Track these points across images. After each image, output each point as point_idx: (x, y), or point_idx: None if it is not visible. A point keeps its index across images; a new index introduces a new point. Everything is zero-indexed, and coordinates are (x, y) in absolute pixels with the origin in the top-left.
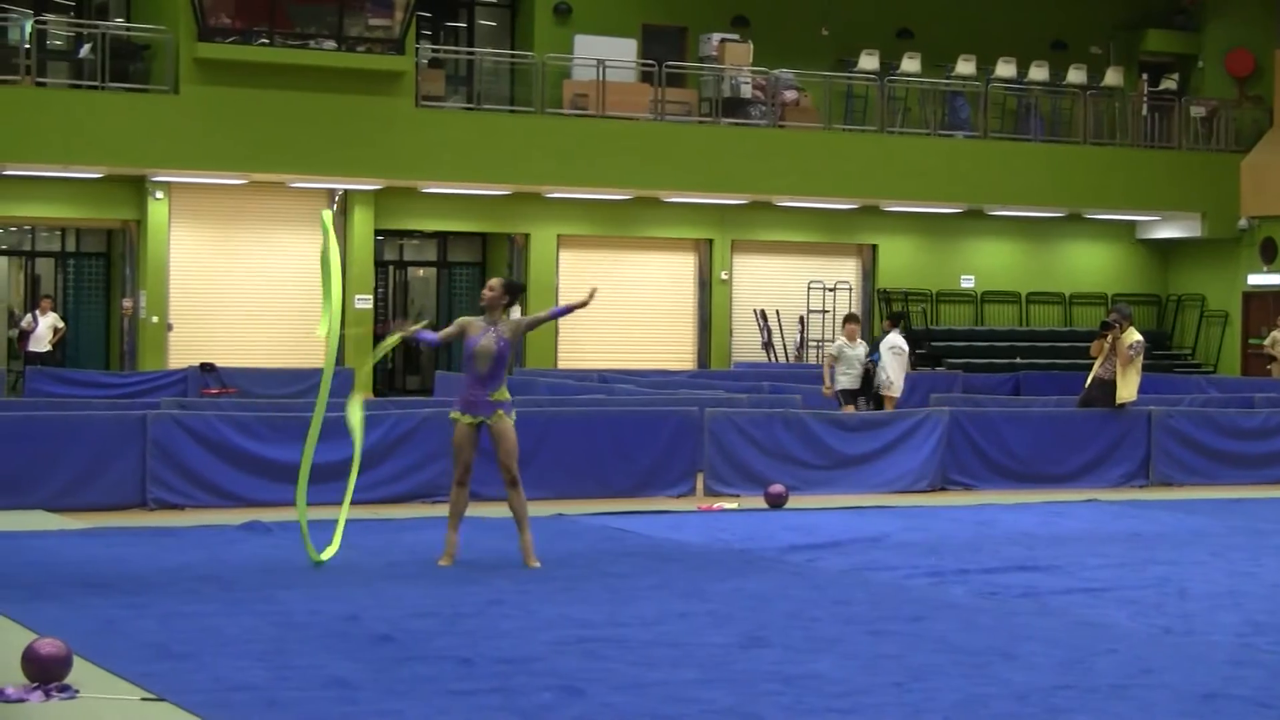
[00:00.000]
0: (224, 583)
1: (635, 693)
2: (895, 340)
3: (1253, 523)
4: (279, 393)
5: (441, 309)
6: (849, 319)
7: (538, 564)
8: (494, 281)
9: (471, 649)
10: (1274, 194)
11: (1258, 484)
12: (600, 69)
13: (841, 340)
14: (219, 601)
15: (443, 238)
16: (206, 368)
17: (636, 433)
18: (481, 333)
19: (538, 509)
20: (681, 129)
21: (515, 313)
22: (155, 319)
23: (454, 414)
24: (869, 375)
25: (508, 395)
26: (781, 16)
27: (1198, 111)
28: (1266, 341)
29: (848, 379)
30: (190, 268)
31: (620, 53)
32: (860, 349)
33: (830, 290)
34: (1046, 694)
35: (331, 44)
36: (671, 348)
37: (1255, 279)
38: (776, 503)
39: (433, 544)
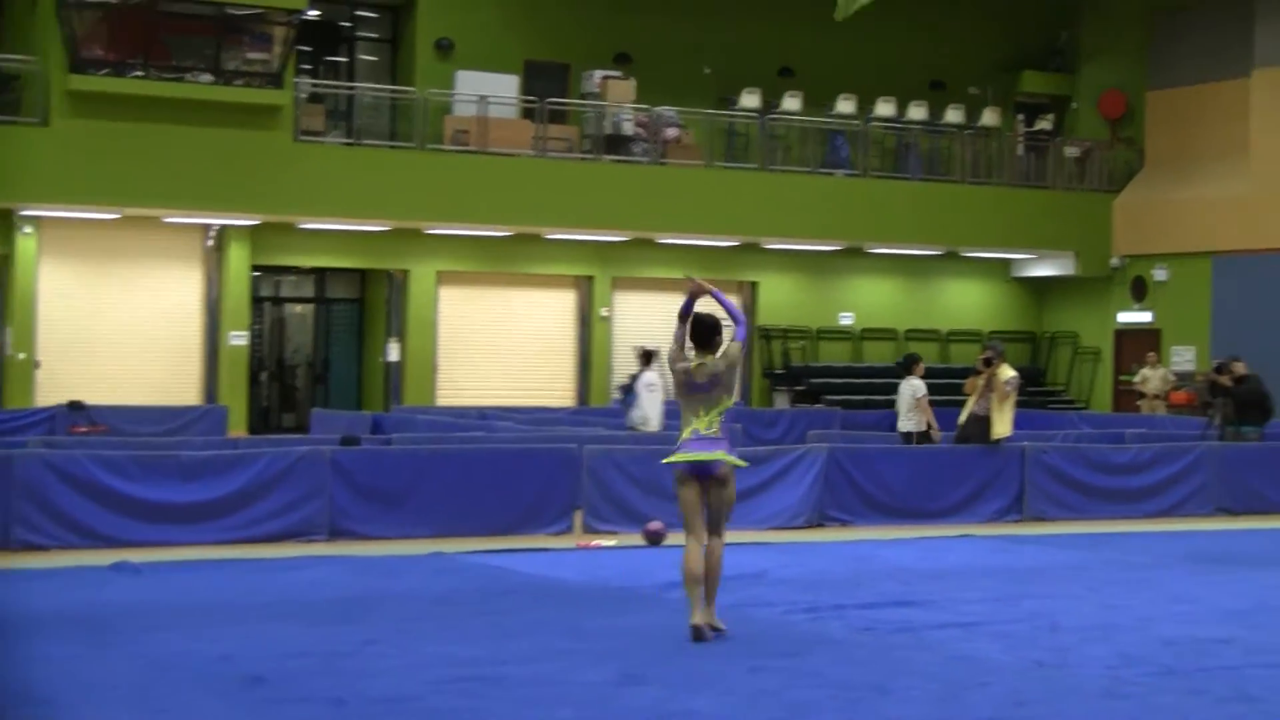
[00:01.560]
0: (91, 625)
1: None
2: (651, 377)
3: (1124, 556)
4: (150, 431)
5: (319, 345)
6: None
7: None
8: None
9: (346, 689)
10: (1145, 233)
11: (1129, 518)
12: (482, 105)
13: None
14: (85, 644)
15: (321, 274)
16: (75, 405)
17: (515, 470)
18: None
19: (415, 547)
20: (563, 165)
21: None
22: (22, 355)
23: (674, 458)
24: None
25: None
26: (664, 54)
27: (1072, 152)
28: (1137, 378)
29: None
30: (59, 303)
31: (502, 89)
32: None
33: None
34: None
35: (208, 77)
36: (551, 385)
37: (1126, 316)
38: (655, 540)
39: (310, 582)
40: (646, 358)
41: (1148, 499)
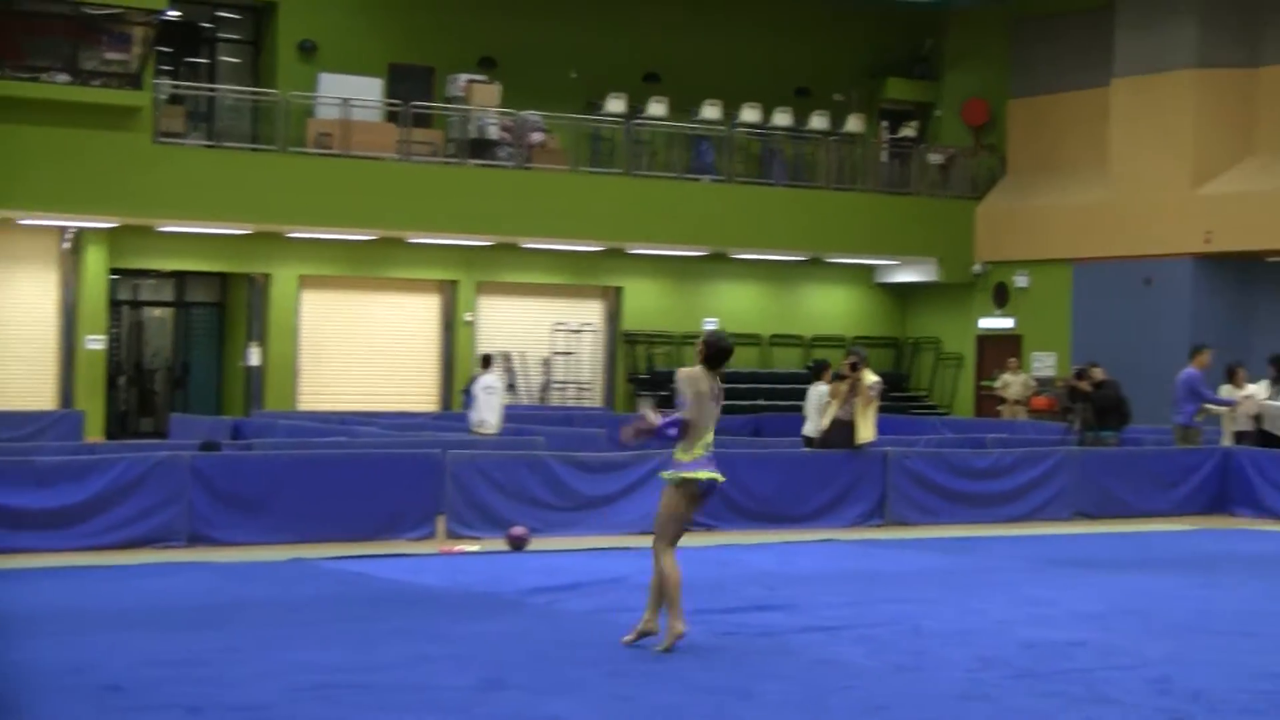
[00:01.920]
0: None
1: None
2: (489, 380)
3: (984, 560)
4: (4, 436)
5: (178, 350)
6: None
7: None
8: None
9: (204, 697)
10: (1006, 240)
11: (990, 523)
12: (345, 108)
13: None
14: None
15: (180, 277)
16: None
17: (377, 475)
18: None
19: (276, 553)
20: (427, 169)
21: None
22: None
23: (700, 474)
24: None
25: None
26: (529, 58)
27: (935, 159)
28: (998, 383)
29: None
30: None
31: (366, 92)
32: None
33: (575, 333)
34: None
35: (65, 77)
36: (415, 389)
37: (987, 322)
38: (518, 544)
39: (168, 589)
40: (485, 361)
41: (1008, 503)
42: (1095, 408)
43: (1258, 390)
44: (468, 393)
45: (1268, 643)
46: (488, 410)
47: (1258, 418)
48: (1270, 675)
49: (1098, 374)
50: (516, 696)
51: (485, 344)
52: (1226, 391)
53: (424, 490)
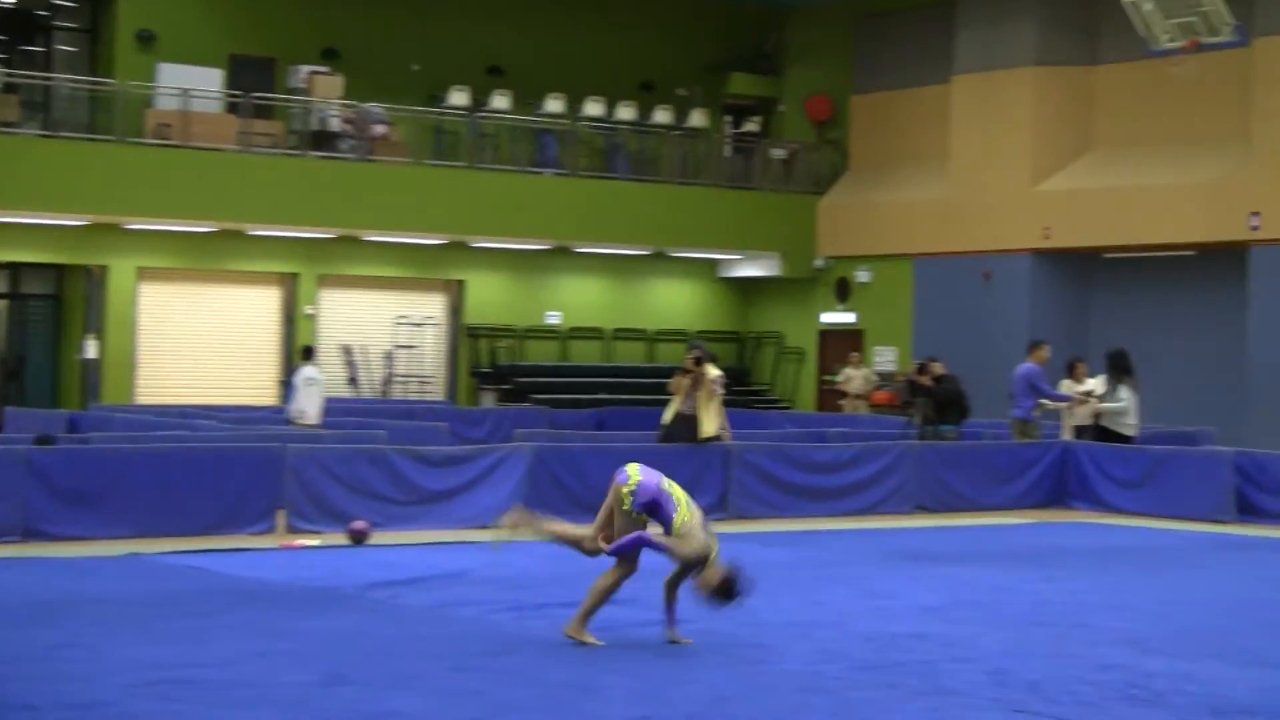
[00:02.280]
0: None
1: None
2: (309, 372)
3: (825, 554)
4: None
5: (12, 342)
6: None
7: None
8: None
9: (38, 694)
10: (848, 235)
11: (831, 516)
12: (185, 98)
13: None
14: None
15: (15, 269)
16: None
17: (216, 469)
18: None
19: (112, 548)
20: (268, 161)
21: None
22: None
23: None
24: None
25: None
26: (371, 50)
27: (778, 154)
28: (840, 378)
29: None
30: None
31: (206, 82)
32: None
33: (417, 326)
34: None
35: None
36: (255, 383)
37: (829, 317)
38: (359, 539)
39: (1, 585)
40: (307, 353)
41: (849, 497)
42: (935, 402)
43: (1096, 385)
44: (288, 384)
45: (1101, 634)
46: (307, 402)
47: (1096, 413)
48: (1103, 666)
49: (937, 368)
50: (357, 692)
51: (327, 337)
52: (1066, 386)
53: (264, 484)
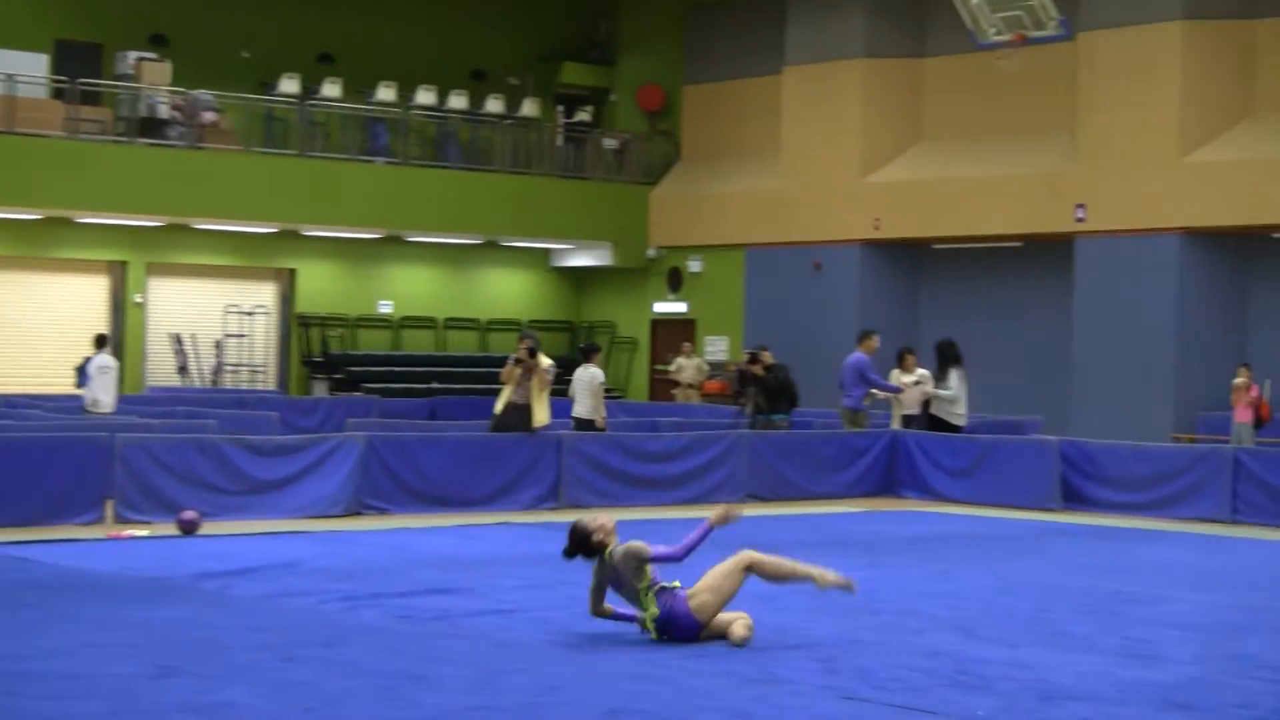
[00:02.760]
0: None
1: None
2: (103, 360)
3: (658, 543)
4: None
5: None
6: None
7: None
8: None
9: None
10: (680, 225)
11: (664, 505)
12: (9, 84)
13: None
14: None
15: None
16: None
17: (43, 459)
18: None
19: None
20: (96, 148)
21: None
22: None
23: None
24: None
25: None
26: (201, 37)
27: (610, 143)
28: (672, 367)
29: None
30: None
31: (31, 68)
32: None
33: (248, 314)
34: (458, 715)
35: None
36: None
37: (662, 307)
38: (189, 529)
39: None
40: (100, 341)
41: (681, 486)
42: (766, 391)
43: (926, 375)
44: (82, 371)
45: (929, 621)
46: (101, 390)
47: (926, 402)
48: (932, 653)
49: (767, 358)
50: (188, 684)
51: (156, 325)
52: (895, 376)
53: (92, 474)
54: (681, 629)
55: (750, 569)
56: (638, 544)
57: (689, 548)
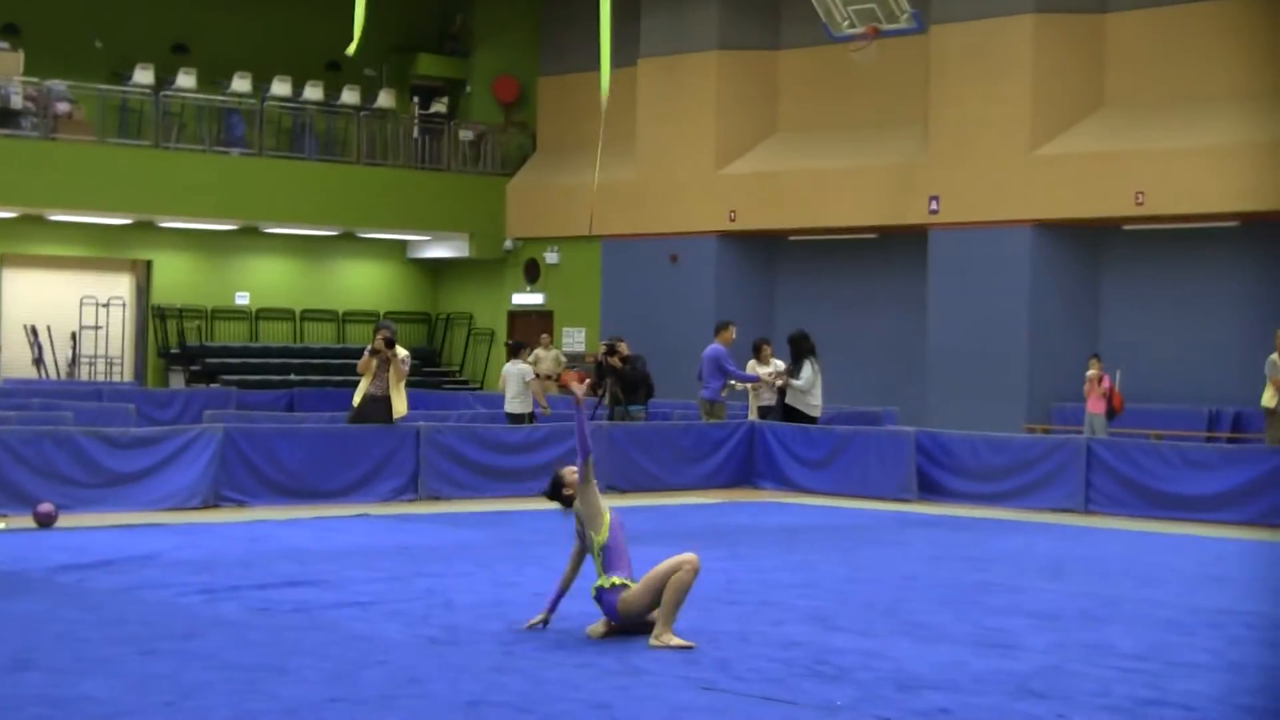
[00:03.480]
0: None
1: None
2: None
3: (517, 534)
4: None
5: None
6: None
7: None
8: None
9: None
10: (537, 216)
11: (521, 496)
12: None
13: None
14: None
15: None
16: None
17: None
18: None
19: None
20: None
21: None
22: None
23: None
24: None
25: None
26: (53, 26)
27: (466, 135)
28: (530, 359)
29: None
30: None
31: None
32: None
33: (104, 306)
34: (317, 707)
35: None
36: None
37: (519, 298)
38: (45, 522)
39: None
40: None
41: (539, 477)
42: (623, 382)
43: (781, 366)
44: None
45: (787, 612)
46: None
47: (781, 392)
48: (790, 644)
49: (624, 349)
50: (45, 678)
51: (11, 317)
52: (751, 367)
53: None
54: (607, 612)
55: (673, 575)
56: (562, 471)
57: (581, 439)
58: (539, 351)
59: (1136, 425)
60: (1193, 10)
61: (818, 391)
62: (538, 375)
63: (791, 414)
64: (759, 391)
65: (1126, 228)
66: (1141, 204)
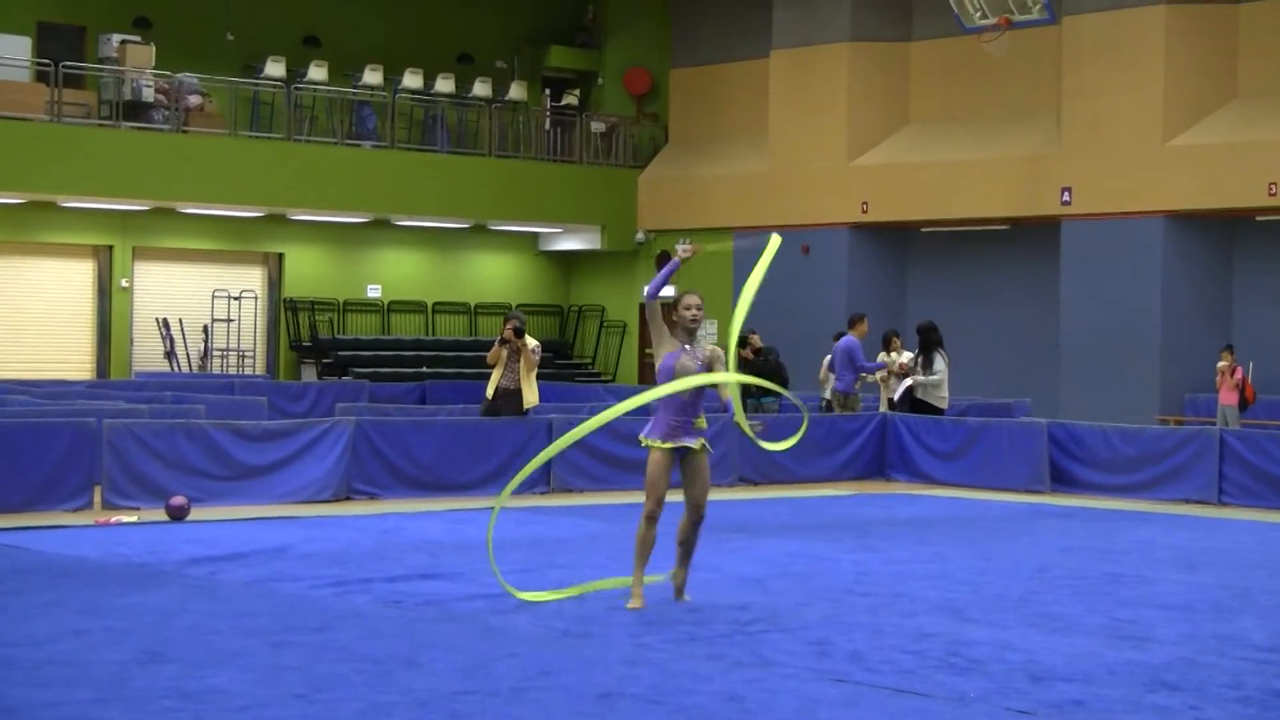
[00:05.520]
0: None
1: (25, 715)
2: None
3: None
4: None
5: None
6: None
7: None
8: (695, 300)
9: None
10: (668, 208)
11: None
12: None
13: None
14: None
15: None
16: None
17: (30, 445)
18: (679, 351)
19: None
20: (80, 131)
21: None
22: None
23: (651, 441)
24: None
25: (705, 424)
26: (185, 19)
27: (598, 127)
28: None
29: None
30: None
31: (13, 50)
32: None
33: (235, 299)
34: (448, 699)
35: None
36: (69, 357)
37: None
38: (178, 515)
39: None
40: None
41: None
42: (755, 375)
43: (909, 358)
44: None
45: (920, 604)
46: None
47: (913, 383)
48: (923, 635)
49: (756, 341)
50: (176, 669)
51: (143, 310)
52: (881, 360)
53: (80, 459)
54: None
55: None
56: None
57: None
58: None
59: (1269, 416)
60: None
61: (946, 383)
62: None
63: (919, 406)
64: (889, 383)
65: (1259, 218)
66: (1274, 194)
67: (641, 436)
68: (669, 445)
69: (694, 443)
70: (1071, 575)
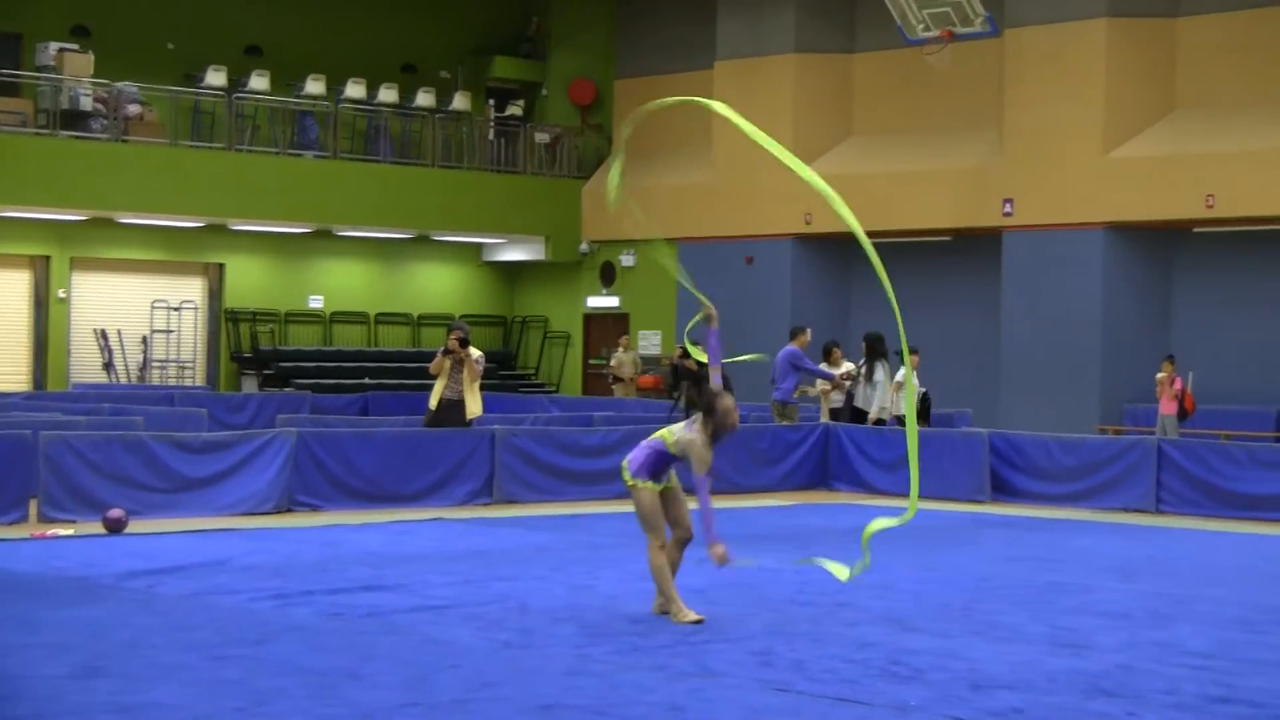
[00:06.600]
0: None
1: None
2: None
3: (591, 538)
4: None
5: None
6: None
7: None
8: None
9: None
10: (612, 219)
11: (597, 500)
12: None
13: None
14: None
15: None
16: None
17: None
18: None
19: None
20: (16, 140)
21: None
22: None
23: (644, 483)
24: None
25: None
26: (125, 28)
27: (542, 138)
28: (613, 362)
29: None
30: None
31: None
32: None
33: (175, 310)
34: (390, 712)
35: None
36: (5, 369)
37: (594, 301)
38: (115, 528)
39: None
40: None
41: (615, 480)
42: (699, 385)
43: (852, 369)
44: None
45: (862, 613)
46: None
47: (850, 395)
48: (865, 645)
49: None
50: (115, 684)
51: (81, 321)
52: (824, 368)
53: (15, 472)
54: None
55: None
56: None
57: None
58: (619, 354)
59: (1208, 426)
60: (1264, 15)
61: (889, 394)
62: (619, 378)
63: (859, 416)
64: (829, 395)
65: (1198, 230)
66: (1212, 207)
67: (630, 479)
68: (658, 487)
69: (670, 478)
70: (1013, 584)
